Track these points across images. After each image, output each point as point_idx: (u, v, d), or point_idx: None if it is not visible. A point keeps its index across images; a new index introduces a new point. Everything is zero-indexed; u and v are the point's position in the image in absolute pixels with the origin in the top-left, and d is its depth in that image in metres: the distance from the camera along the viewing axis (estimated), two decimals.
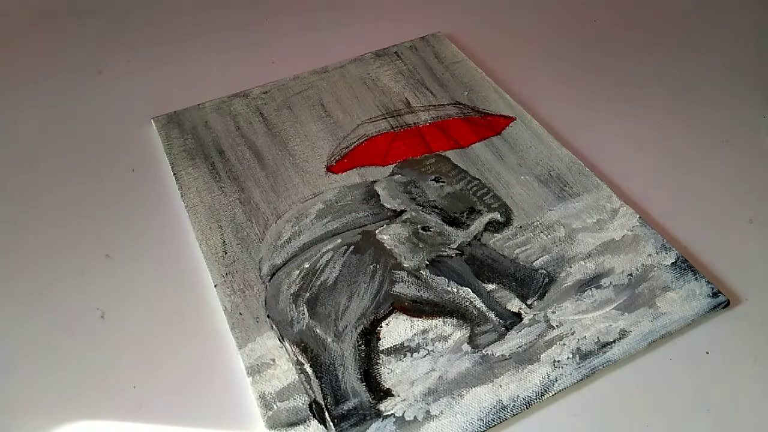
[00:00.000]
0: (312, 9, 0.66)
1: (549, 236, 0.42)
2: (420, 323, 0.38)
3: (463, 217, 0.44)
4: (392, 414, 0.34)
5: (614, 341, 0.37)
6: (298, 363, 0.36)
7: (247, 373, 0.36)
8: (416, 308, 0.39)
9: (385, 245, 0.42)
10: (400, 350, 0.37)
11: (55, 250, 0.43)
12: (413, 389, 0.35)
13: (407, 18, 0.64)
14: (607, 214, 0.44)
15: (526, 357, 0.36)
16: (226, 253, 0.42)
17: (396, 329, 0.38)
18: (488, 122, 0.51)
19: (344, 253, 0.41)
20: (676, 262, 0.40)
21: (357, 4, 0.67)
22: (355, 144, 0.49)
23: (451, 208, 0.44)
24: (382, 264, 0.41)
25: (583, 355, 0.36)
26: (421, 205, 0.44)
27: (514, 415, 0.34)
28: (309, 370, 0.36)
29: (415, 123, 0.51)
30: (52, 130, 0.53)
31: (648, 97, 0.55)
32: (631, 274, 0.40)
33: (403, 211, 0.44)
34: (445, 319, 0.38)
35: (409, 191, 0.45)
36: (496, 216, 0.44)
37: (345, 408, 0.34)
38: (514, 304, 0.39)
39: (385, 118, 0.51)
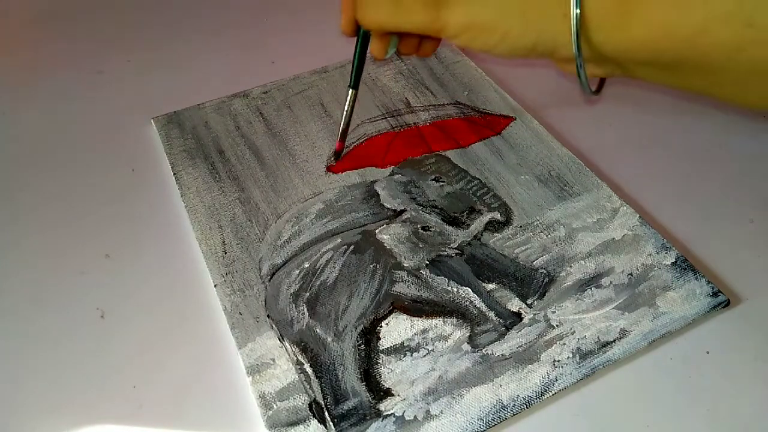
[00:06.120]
0: (312, 9, 0.66)
1: (549, 236, 0.42)
2: (420, 323, 0.38)
3: (463, 216, 0.44)
4: (392, 413, 0.34)
5: (614, 341, 0.37)
6: (298, 363, 0.36)
7: (247, 372, 0.36)
8: (416, 308, 0.39)
9: (385, 245, 0.42)
10: (400, 350, 0.37)
11: (55, 250, 0.43)
12: (413, 389, 0.35)
13: None
14: (607, 213, 0.44)
15: (526, 357, 0.36)
16: (226, 253, 0.42)
17: (396, 329, 0.38)
18: (488, 122, 0.51)
19: (344, 253, 0.41)
20: (676, 261, 0.40)
21: None
22: (355, 144, 0.49)
23: (451, 207, 0.44)
24: (382, 264, 0.41)
25: (583, 355, 0.36)
26: (421, 205, 0.44)
27: (514, 414, 0.34)
28: (309, 369, 0.36)
29: (415, 123, 0.51)
30: (52, 129, 0.53)
31: (648, 96, 0.55)
32: (631, 274, 0.40)
33: (403, 211, 0.44)
34: (445, 319, 0.38)
35: (409, 191, 0.45)
36: (496, 215, 0.44)
37: (345, 407, 0.34)
38: (514, 304, 0.39)
39: (385, 118, 0.51)
